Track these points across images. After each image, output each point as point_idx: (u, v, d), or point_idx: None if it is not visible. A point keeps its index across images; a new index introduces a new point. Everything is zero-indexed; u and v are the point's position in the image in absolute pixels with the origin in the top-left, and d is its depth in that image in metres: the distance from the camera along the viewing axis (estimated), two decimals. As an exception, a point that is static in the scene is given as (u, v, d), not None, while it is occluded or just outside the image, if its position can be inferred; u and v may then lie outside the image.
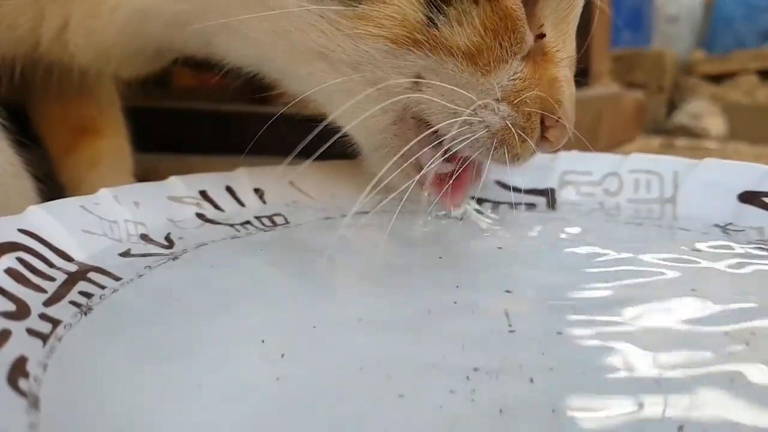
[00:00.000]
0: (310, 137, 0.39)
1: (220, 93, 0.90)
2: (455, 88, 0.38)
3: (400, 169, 0.39)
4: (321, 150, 0.39)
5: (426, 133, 0.40)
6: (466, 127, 0.40)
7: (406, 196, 0.39)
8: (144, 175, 0.59)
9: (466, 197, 0.45)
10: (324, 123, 0.40)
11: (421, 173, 0.42)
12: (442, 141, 0.40)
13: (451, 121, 0.39)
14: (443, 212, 0.46)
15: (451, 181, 0.42)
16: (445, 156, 0.41)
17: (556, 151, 0.49)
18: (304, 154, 0.41)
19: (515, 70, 0.39)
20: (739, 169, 0.46)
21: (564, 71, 0.41)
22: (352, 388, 0.27)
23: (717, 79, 2.57)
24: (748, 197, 0.44)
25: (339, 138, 0.41)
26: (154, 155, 0.73)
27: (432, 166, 0.41)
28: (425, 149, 0.41)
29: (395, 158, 0.40)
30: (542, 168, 0.51)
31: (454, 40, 0.37)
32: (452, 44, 0.37)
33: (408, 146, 0.40)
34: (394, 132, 0.42)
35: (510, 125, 0.40)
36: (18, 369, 0.24)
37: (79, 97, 0.59)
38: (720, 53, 2.81)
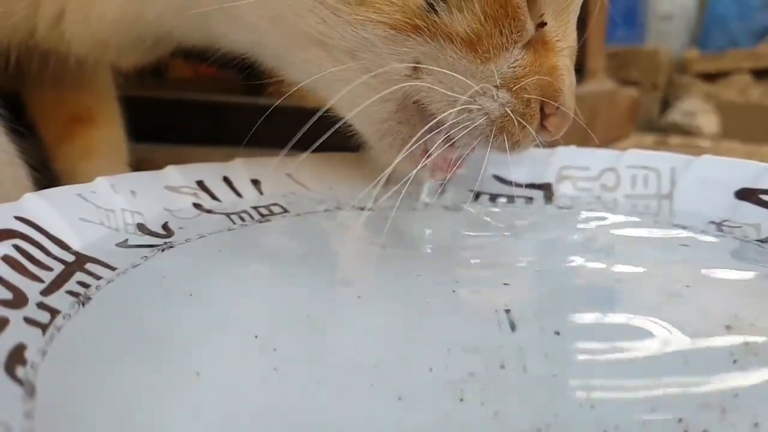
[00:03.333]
0: (305, 128, 0.38)
1: (215, 84, 0.89)
2: (454, 74, 0.38)
3: (407, 153, 0.39)
4: (319, 141, 0.39)
5: (432, 122, 0.40)
6: (465, 114, 0.39)
7: (408, 185, 0.39)
8: (139, 165, 0.59)
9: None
10: (318, 113, 0.39)
11: (425, 158, 0.41)
12: (444, 128, 0.40)
13: (451, 110, 0.39)
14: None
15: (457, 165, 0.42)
16: (450, 143, 0.41)
17: (554, 144, 0.49)
18: (302, 146, 0.40)
19: (515, 57, 0.39)
20: (736, 166, 0.46)
21: (564, 60, 0.41)
22: (347, 386, 0.27)
23: (711, 77, 2.57)
24: (745, 194, 0.44)
25: (338, 129, 0.40)
26: (149, 145, 0.72)
27: (437, 152, 0.41)
28: (431, 135, 0.40)
29: (407, 147, 0.39)
30: (540, 162, 0.51)
31: (454, 26, 0.37)
32: (452, 30, 0.37)
33: (418, 134, 0.39)
34: (398, 120, 0.42)
35: (509, 112, 0.39)
36: (16, 357, 0.24)
37: (74, 86, 0.58)
38: (714, 52, 2.82)
